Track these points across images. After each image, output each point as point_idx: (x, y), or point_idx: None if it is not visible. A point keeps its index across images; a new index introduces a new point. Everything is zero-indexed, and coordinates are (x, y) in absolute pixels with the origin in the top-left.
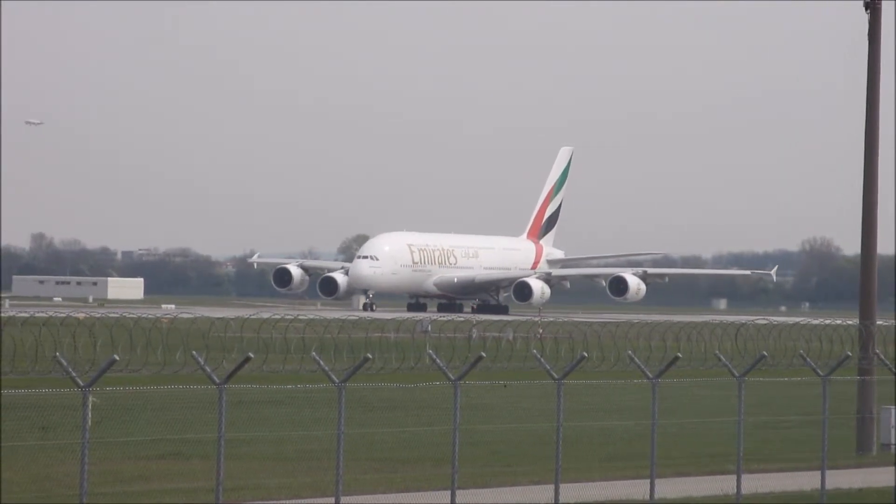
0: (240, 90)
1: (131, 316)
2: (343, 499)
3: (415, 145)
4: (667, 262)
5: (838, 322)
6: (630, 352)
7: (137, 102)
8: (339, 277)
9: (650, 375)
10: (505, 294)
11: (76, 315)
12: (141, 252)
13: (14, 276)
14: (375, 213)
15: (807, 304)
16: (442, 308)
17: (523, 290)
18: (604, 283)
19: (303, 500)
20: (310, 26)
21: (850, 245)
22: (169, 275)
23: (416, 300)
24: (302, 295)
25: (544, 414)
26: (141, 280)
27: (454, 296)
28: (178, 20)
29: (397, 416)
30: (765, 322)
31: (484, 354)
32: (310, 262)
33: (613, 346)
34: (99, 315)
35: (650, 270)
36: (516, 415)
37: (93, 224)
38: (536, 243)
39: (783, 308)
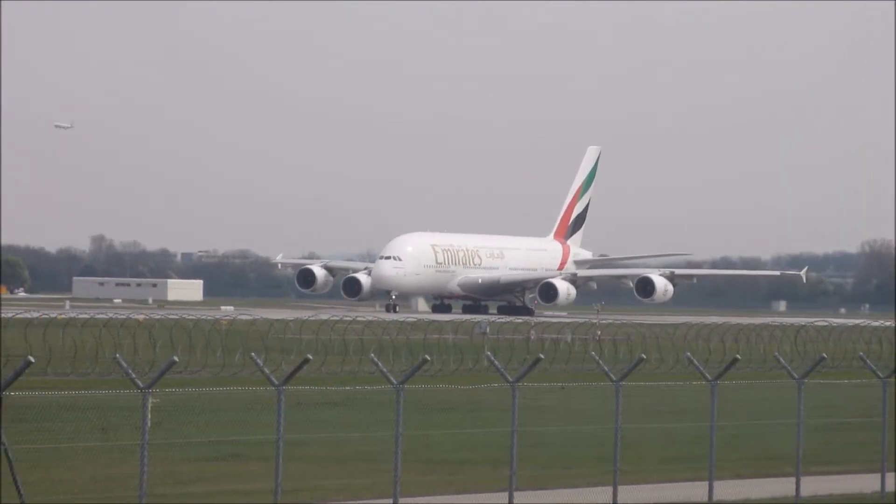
0: (282, 97)
1: (191, 318)
2: (401, 500)
3: (442, 145)
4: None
5: None
6: (688, 354)
7: (189, 110)
8: (363, 278)
9: (709, 377)
10: (531, 295)
11: (136, 317)
12: (200, 254)
13: (74, 278)
14: (407, 213)
15: (867, 306)
16: (467, 309)
17: (548, 292)
18: (631, 284)
19: (361, 502)
20: (327, 26)
21: None
22: (228, 276)
23: (441, 301)
24: (325, 296)
25: (602, 416)
26: (200, 282)
27: (478, 297)
28: (216, 30)
29: (455, 417)
30: (824, 324)
31: (542, 356)
32: (334, 263)
33: (672, 348)
34: (158, 317)
35: (677, 271)
36: (574, 416)
37: (152, 226)
38: (563, 244)
39: (843, 310)
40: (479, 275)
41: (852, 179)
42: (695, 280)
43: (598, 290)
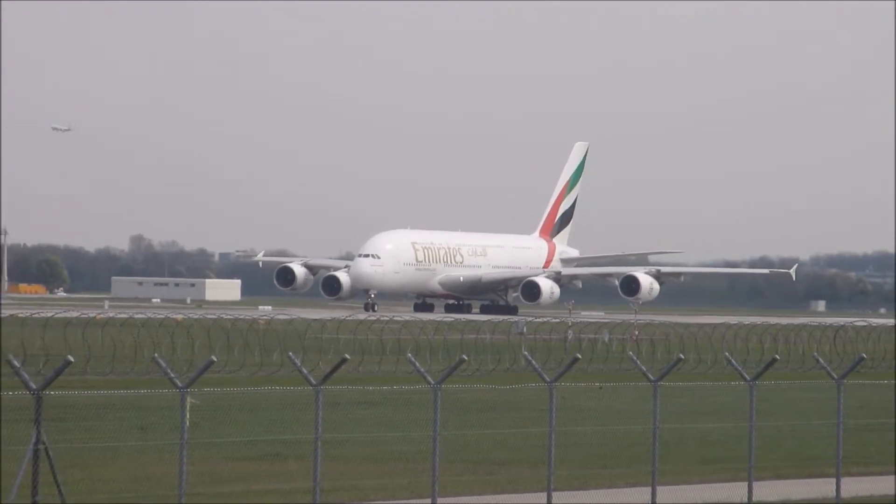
0: (313, 99)
1: (229, 317)
2: (439, 500)
3: (425, 141)
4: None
5: None
6: (727, 354)
7: (224, 111)
8: (343, 277)
9: (748, 377)
10: (514, 294)
11: (174, 316)
12: (238, 253)
13: (113, 278)
14: (389, 211)
15: None
16: (449, 308)
17: (532, 290)
18: (616, 282)
19: (399, 502)
20: (317, 22)
21: None
22: (266, 276)
23: (423, 300)
24: (305, 295)
25: (640, 416)
26: (238, 281)
27: (461, 295)
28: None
29: (492, 417)
30: (863, 324)
31: (580, 356)
32: (315, 261)
33: (710, 349)
34: (197, 316)
35: (664, 269)
36: (612, 417)
37: (191, 226)
38: (549, 241)
39: (882, 310)
40: (460, 273)
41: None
42: (682, 278)
43: (583, 288)
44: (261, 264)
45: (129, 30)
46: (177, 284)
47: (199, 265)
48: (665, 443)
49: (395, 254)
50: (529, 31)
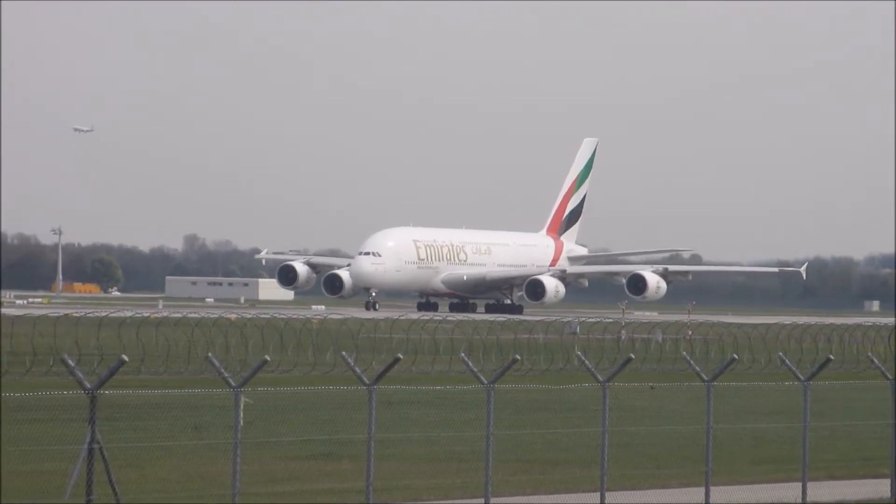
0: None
1: (282, 317)
2: (492, 500)
3: (430, 136)
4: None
5: None
6: (781, 354)
7: (269, 112)
8: (345, 275)
9: (802, 377)
10: (519, 293)
11: (228, 316)
12: (291, 253)
13: (167, 277)
14: (393, 208)
15: None
16: (454, 307)
17: (536, 289)
18: (623, 281)
19: (452, 501)
20: (319, 19)
21: None
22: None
23: (427, 299)
24: (308, 293)
25: (693, 416)
26: None
27: (465, 294)
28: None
29: (545, 417)
30: None
31: (633, 356)
32: (317, 259)
33: (763, 348)
34: (250, 316)
35: (671, 268)
36: (665, 417)
37: (244, 225)
38: (556, 239)
39: None
40: (464, 271)
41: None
42: (690, 277)
43: (589, 287)
44: (264, 262)
45: (162, 30)
46: (230, 284)
47: (252, 265)
48: (718, 443)
49: (397, 252)
50: (537, 24)
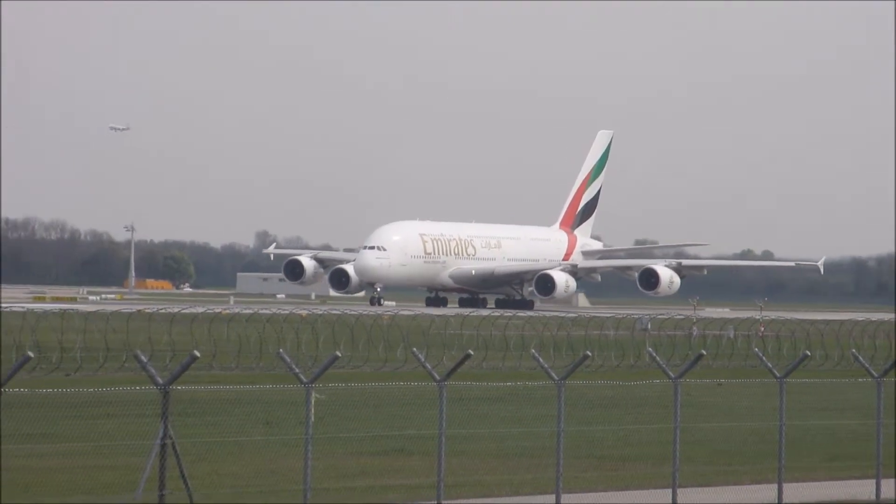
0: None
1: (353, 313)
2: (563, 496)
3: (440, 128)
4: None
5: None
6: (854, 350)
7: (323, 111)
8: (351, 270)
9: (875, 374)
10: (529, 288)
11: (299, 312)
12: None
13: (238, 274)
14: (404, 201)
15: None
16: (463, 303)
17: (546, 284)
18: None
19: (523, 498)
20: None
21: None
22: None
23: (436, 294)
24: (313, 288)
25: (766, 413)
26: None
27: (474, 289)
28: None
29: (616, 413)
30: None
31: (704, 352)
32: (325, 254)
33: (836, 345)
34: (321, 312)
35: (685, 262)
36: (737, 413)
37: (315, 222)
38: (570, 234)
39: None
40: (472, 266)
41: None
42: (705, 272)
43: (602, 282)
44: (272, 257)
45: (216, 30)
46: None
47: None
48: (791, 440)
49: (403, 246)
50: (549, 15)
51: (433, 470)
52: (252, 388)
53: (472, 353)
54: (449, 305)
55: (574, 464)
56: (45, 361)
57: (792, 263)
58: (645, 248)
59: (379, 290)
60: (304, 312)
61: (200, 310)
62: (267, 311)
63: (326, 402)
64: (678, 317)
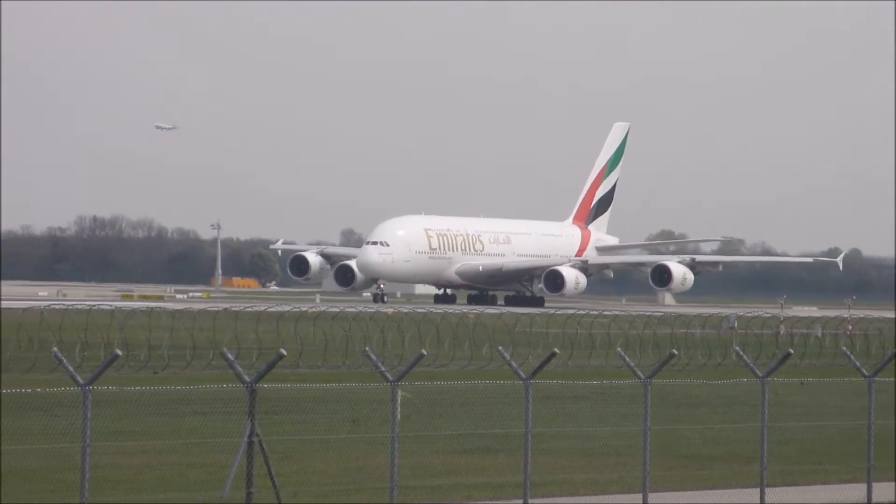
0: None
1: (438, 311)
2: (650, 496)
3: (454, 120)
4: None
5: None
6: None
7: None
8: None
9: None
10: (540, 285)
11: (385, 310)
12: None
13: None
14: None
15: None
16: (472, 300)
17: (555, 280)
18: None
19: (609, 497)
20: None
21: None
22: None
23: (444, 291)
24: (320, 285)
25: (855, 412)
26: None
27: (481, 286)
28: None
29: (703, 412)
30: None
31: (791, 351)
32: (331, 250)
33: None
34: (407, 310)
35: (699, 258)
36: (824, 412)
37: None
38: (583, 229)
39: None
40: (479, 262)
41: None
42: (720, 268)
43: (614, 278)
44: (279, 252)
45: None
46: None
47: None
48: (880, 439)
49: (407, 241)
50: (561, 6)
51: (519, 468)
52: (338, 386)
53: (557, 351)
54: (458, 302)
55: (660, 463)
56: (132, 359)
57: (810, 260)
58: (661, 244)
59: (382, 286)
60: (389, 310)
61: (287, 308)
62: (353, 310)
63: (412, 401)
64: (765, 315)
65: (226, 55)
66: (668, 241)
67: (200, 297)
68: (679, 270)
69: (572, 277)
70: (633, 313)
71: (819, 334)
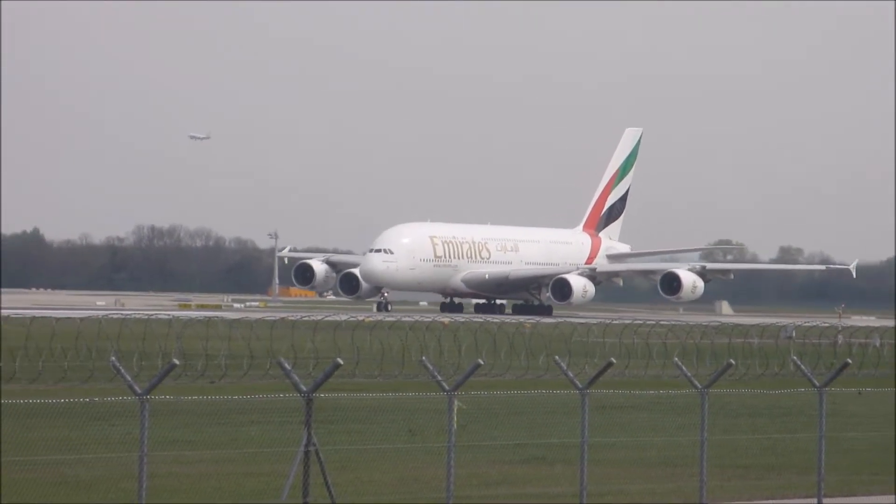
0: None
1: (495, 321)
2: None
3: (459, 126)
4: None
5: None
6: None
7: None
8: None
9: None
10: (548, 293)
11: (442, 320)
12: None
13: None
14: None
15: None
16: (480, 308)
17: (562, 289)
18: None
19: None
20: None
21: None
22: None
23: (451, 300)
24: (323, 293)
25: None
26: None
27: (488, 294)
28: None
29: (761, 422)
30: None
31: (849, 361)
32: (337, 258)
33: None
34: (463, 320)
35: (709, 266)
36: (883, 422)
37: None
38: (594, 236)
39: None
40: (486, 270)
41: None
42: (731, 276)
43: (623, 286)
44: (286, 261)
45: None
46: None
47: None
48: None
49: (411, 249)
50: (572, 11)
51: (575, 478)
52: (394, 395)
53: (614, 361)
54: (465, 311)
55: (717, 473)
56: (190, 369)
57: (822, 267)
58: (672, 252)
59: (386, 294)
60: (446, 320)
61: (343, 317)
62: (409, 319)
63: (468, 411)
64: (823, 325)
65: (249, 63)
66: (679, 250)
67: (258, 307)
68: (689, 278)
69: (580, 286)
70: (691, 323)
71: (877, 344)
